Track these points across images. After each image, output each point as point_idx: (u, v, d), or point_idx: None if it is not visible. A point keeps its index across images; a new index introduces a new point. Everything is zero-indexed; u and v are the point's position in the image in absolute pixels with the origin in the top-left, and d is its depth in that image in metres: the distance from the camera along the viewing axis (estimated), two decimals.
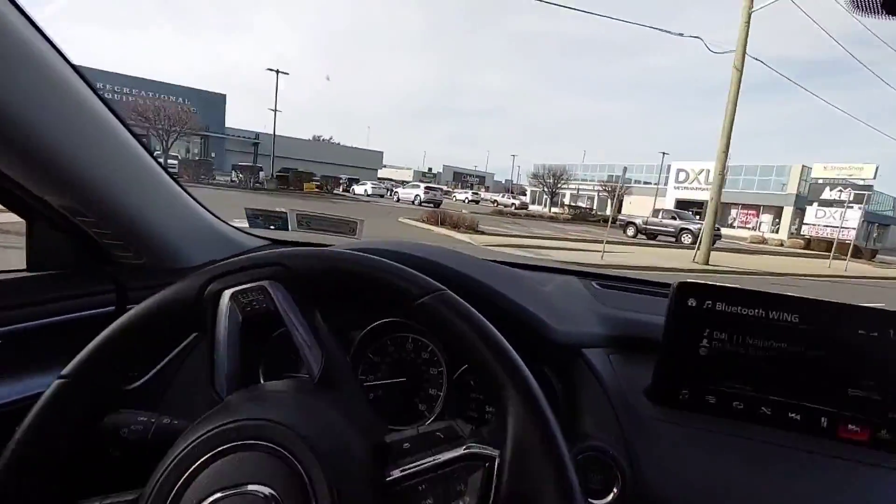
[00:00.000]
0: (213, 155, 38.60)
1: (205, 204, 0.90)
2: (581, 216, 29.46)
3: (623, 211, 36.05)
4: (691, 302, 0.61)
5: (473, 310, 0.43)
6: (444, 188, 37.56)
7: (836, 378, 0.57)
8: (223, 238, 0.93)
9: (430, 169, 68.76)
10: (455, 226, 12.36)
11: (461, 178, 67.39)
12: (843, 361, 0.57)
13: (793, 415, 0.57)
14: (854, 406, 0.56)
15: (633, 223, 21.22)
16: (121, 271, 0.79)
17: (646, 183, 37.72)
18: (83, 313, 0.73)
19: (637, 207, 33.52)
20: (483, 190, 55.13)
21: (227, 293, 0.45)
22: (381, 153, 58.15)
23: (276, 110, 35.57)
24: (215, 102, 40.92)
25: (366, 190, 30.18)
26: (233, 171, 24.54)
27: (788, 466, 0.54)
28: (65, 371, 0.43)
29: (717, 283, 0.61)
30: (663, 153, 32.06)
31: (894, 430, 0.56)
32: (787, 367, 0.58)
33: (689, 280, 0.61)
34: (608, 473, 0.54)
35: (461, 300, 0.43)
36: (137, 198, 0.73)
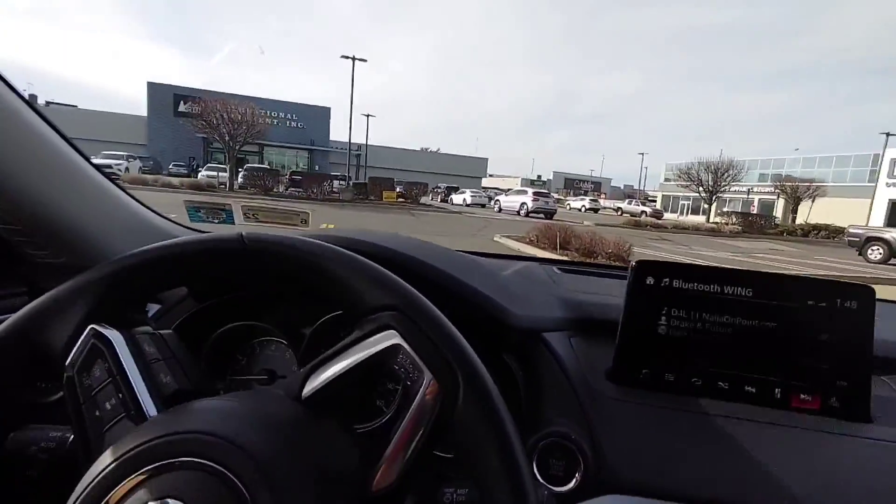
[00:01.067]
0: (317, 168, 38.73)
1: (137, 197, 0.84)
2: (756, 227, 22.10)
3: (802, 217, 27.06)
4: (649, 280, 0.61)
5: (433, 321, 0.40)
6: (557, 196, 32.37)
7: (788, 349, 0.59)
8: (158, 233, 0.85)
9: (539, 176, 63.67)
10: (589, 252, 7.20)
11: (573, 184, 61.23)
12: (794, 332, 0.58)
13: (748, 387, 0.59)
14: (806, 376, 0.58)
15: (883, 239, 12.65)
16: (36, 272, 0.73)
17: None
18: None
19: (830, 213, 24.63)
20: (601, 197, 48.25)
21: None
22: (486, 160, 55.25)
23: (368, 115, 33.82)
24: (320, 115, 41.28)
25: (464, 199, 26.70)
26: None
27: (746, 437, 0.55)
28: None
29: (674, 261, 0.63)
30: (887, 134, 22.71)
31: (843, 397, 0.57)
32: (743, 340, 0.59)
33: (646, 259, 0.62)
34: (570, 459, 0.54)
35: (413, 315, 0.40)
36: (50, 188, 0.67)
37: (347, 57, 28.60)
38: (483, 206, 26.10)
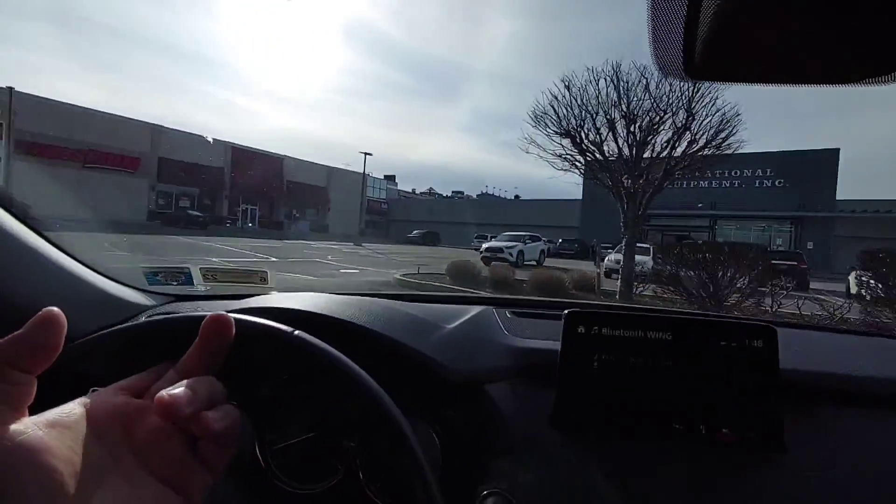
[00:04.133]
0: (810, 246, 23.79)
1: (90, 262, 0.79)
2: None
3: None
4: (581, 329, 0.65)
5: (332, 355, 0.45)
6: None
7: (708, 387, 0.63)
8: (114, 300, 0.80)
9: None
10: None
11: None
12: (711, 371, 0.63)
13: (676, 425, 0.63)
14: (726, 411, 0.63)
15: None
16: None
17: None
18: None
19: None
20: None
21: None
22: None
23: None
24: (817, 162, 26.02)
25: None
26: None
27: (675, 472, 0.60)
28: None
29: (601, 311, 0.67)
30: None
31: (759, 430, 0.62)
32: (668, 381, 0.64)
33: (576, 309, 0.66)
34: None
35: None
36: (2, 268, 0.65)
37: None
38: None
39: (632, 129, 8.96)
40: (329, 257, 14.72)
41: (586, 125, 9.69)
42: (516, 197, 46.62)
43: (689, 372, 0.63)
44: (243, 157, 31.56)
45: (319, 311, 0.66)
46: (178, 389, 0.31)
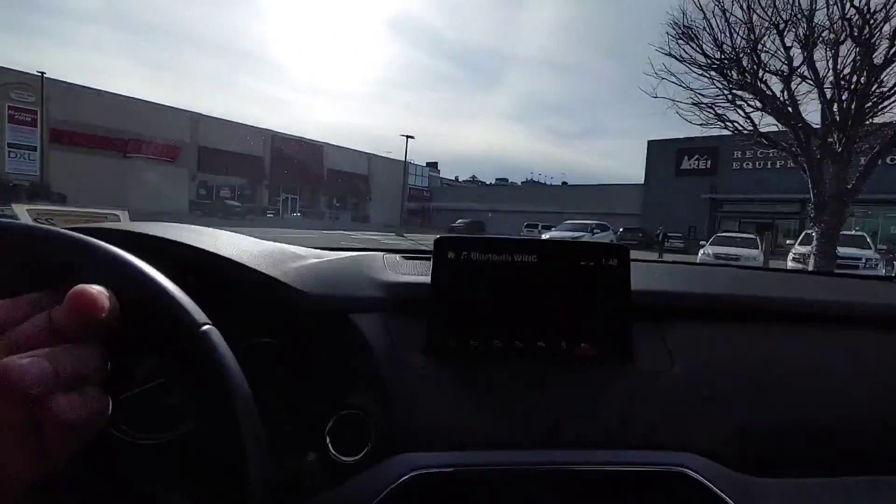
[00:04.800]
0: None
1: None
2: None
3: None
4: (451, 255, 0.66)
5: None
6: None
7: (570, 305, 0.67)
8: None
9: None
10: None
11: None
12: (572, 290, 0.67)
13: (540, 343, 0.67)
14: (586, 327, 0.67)
15: None
16: None
17: None
18: None
19: None
20: None
21: None
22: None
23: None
24: None
25: None
26: None
27: (538, 387, 0.64)
28: None
29: (468, 236, 0.70)
30: None
31: (613, 341, 0.68)
32: (533, 301, 0.67)
33: (446, 235, 0.68)
34: (363, 431, 0.58)
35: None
36: None
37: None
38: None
39: (854, 46, 5.37)
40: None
41: (768, 42, 5.73)
42: (563, 183, 43.63)
43: (552, 292, 0.67)
44: (283, 146, 30.60)
45: (164, 236, 0.62)
46: (28, 360, 0.24)
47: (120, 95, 23.64)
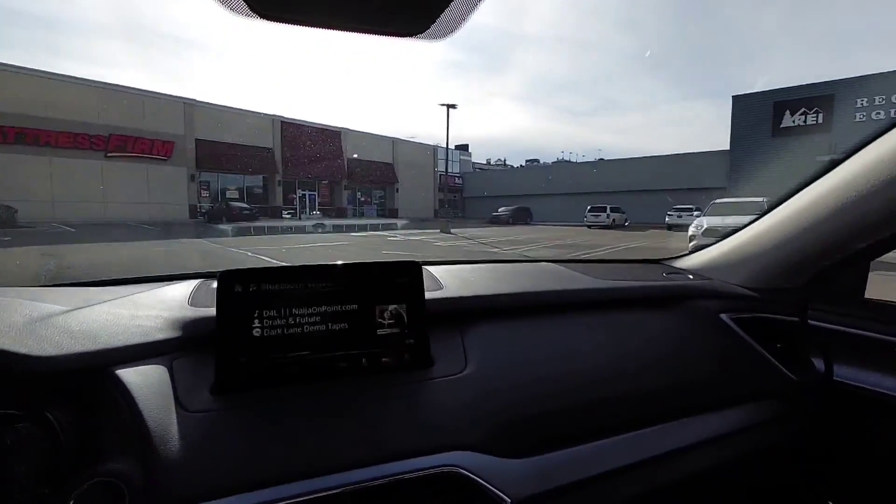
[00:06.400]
0: None
1: None
2: None
3: None
4: (238, 288, 0.65)
5: None
6: None
7: (367, 324, 0.70)
8: None
9: None
10: None
11: None
12: (369, 309, 0.70)
13: (342, 364, 0.68)
14: (384, 342, 0.71)
15: None
16: None
17: None
18: None
19: None
20: None
21: None
22: None
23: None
24: None
25: None
26: None
27: (343, 407, 0.64)
28: None
29: (257, 267, 0.67)
30: None
31: (412, 352, 0.72)
32: (332, 325, 0.68)
33: (229, 270, 0.66)
34: (118, 499, 0.53)
35: None
36: None
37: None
38: None
39: None
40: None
41: None
42: (599, 160, 38.13)
43: (351, 313, 0.69)
44: (295, 133, 26.24)
45: None
46: None
47: (98, 83, 19.51)
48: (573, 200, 31.79)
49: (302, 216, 25.83)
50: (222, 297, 0.64)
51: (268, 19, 0.37)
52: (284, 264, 0.69)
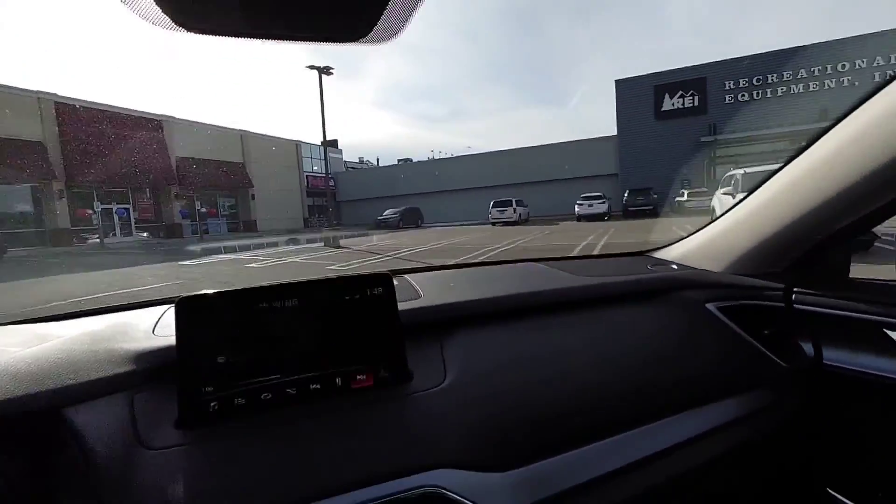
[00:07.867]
0: None
1: None
2: None
3: None
4: (199, 314, 0.62)
5: None
6: None
7: (340, 341, 0.66)
8: None
9: None
10: None
11: None
12: (342, 325, 0.66)
13: (314, 385, 0.64)
14: (359, 359, 0.67)
15: None
16: None
17: None
18: None
19: None
20: None
21: None
22: None
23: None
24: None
25: None
26: None
27: (317, 432, 0.61)
28: None
29: (217, 291, 0.63)
30: None
31: (389, 367, 0.68)
32: (302, 345, 0.64)
33: (187, 295, 0.62)
34: None
35: None
36: None
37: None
38: None
39: None
40: None
41: None
42: (495, 152, 36.28)
43: (320, 332, 0.65)
44: (83, 121, 18.05)
45: None
46: None
47: None
48: (466, 197, 29.06)
49: (106, 239, 17.86)
50: (181, 325, 0.60)
51: (198, 32, 0.35)
52: (247, 286, 0.64)
